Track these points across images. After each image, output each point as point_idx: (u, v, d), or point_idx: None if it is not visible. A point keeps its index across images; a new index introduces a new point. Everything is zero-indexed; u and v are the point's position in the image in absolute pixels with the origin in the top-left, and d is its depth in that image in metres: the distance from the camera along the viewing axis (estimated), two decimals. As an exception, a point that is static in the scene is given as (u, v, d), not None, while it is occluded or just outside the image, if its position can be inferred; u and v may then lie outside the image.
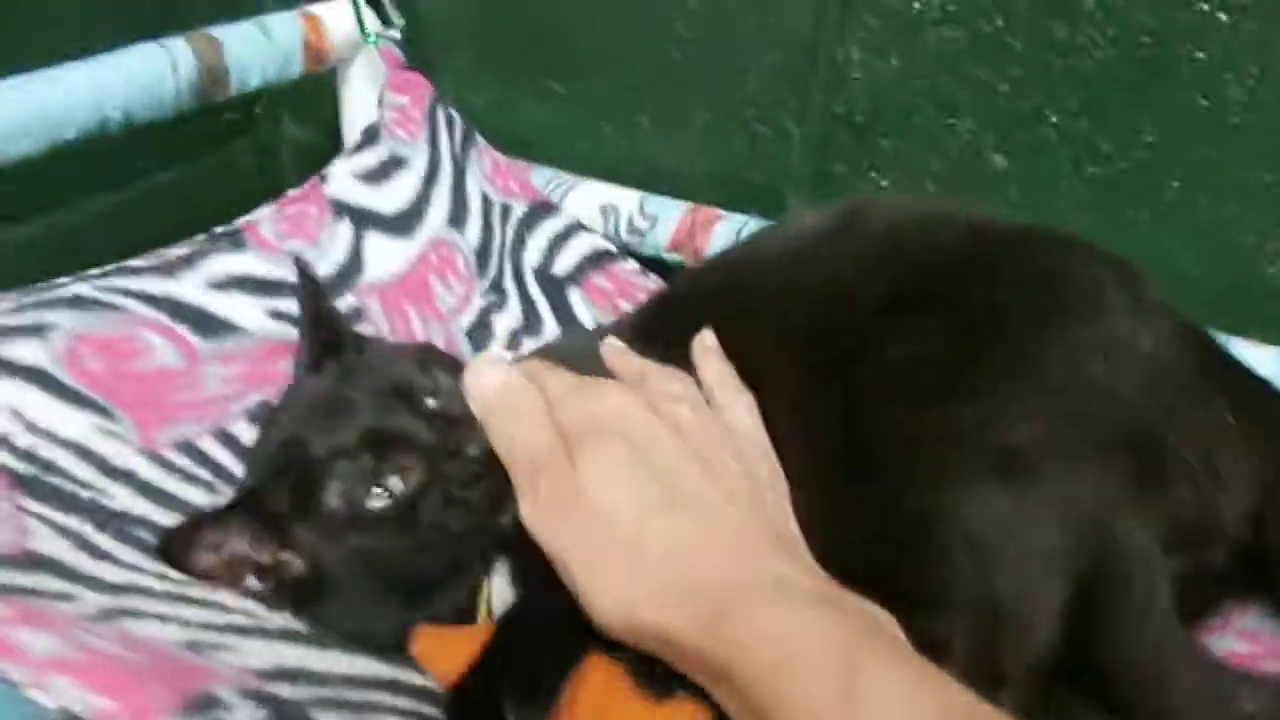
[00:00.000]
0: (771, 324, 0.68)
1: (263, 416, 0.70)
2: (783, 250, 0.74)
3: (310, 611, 0.60)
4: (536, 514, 0.51)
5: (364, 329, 0.80)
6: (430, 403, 0.62)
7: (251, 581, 0.60)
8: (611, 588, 0.48)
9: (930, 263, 0.67)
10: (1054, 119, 0.86)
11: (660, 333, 0.70)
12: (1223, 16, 0.77)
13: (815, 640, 0.45)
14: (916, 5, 0.86)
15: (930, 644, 0.53)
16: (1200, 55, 0.79)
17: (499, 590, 0.60)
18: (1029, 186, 0.89)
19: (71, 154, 0.80)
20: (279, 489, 0.60)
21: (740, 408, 0.62)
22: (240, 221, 0.80)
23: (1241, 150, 0.81)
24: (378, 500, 0.58)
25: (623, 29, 1.00)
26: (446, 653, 0.56)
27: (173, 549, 0.59)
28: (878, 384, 0.61)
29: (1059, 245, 0.70)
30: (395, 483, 0.58)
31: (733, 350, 0.67)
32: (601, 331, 0.77)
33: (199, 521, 0.60)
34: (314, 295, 0.73)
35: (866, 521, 0.58)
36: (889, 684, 0.43)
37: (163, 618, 0.55)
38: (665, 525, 0.49)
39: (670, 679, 0.51)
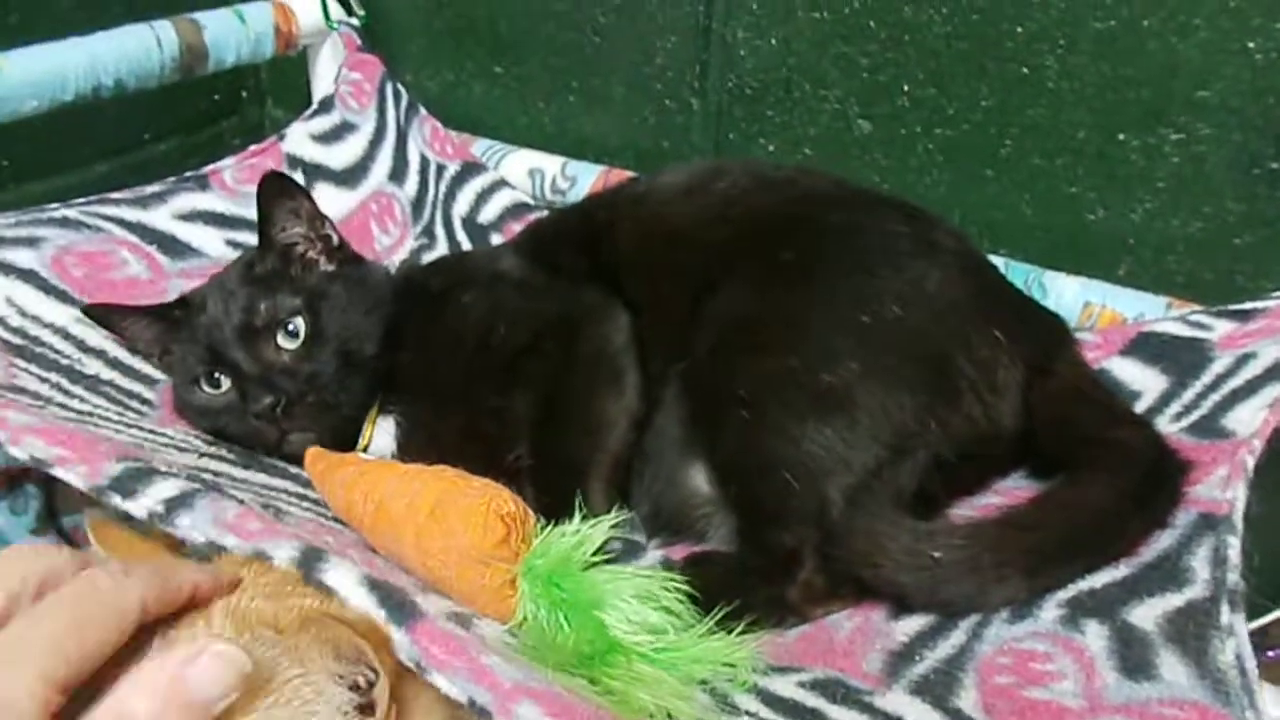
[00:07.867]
0: (638, 256, 0.82)
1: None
2: (647, 193, 0.88)
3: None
4: None
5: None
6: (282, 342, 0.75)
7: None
8: None
9: (759, 221, 0.80)
10: (907, 88, 1.00)
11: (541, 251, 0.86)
12: (1034, -5, 0.91)
13: None
14: (788, -9, 1.01)
15: (785, 554, 0.67)
16: (1019, 29, 0.93)
17: (384, 428, 0.74)
18: (890, 148, 1.02)
19: (77, 123, 0.94)
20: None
21: None
22: (207, 169, 0.96)
23: (1059, 111, 0.94)
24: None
25: (552, 19, 1.15)
26: (329, 471, 0.69)
27: (95, 314, 0.78)
28: (723, 331, 0.74)
29: (864, 204, 0.83)
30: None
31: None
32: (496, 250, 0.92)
33: (132, 308, 0.79)
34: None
35: (734, 456, 0.72)
36: None
37: (117, 430, 0.69)
38: None
39: None
